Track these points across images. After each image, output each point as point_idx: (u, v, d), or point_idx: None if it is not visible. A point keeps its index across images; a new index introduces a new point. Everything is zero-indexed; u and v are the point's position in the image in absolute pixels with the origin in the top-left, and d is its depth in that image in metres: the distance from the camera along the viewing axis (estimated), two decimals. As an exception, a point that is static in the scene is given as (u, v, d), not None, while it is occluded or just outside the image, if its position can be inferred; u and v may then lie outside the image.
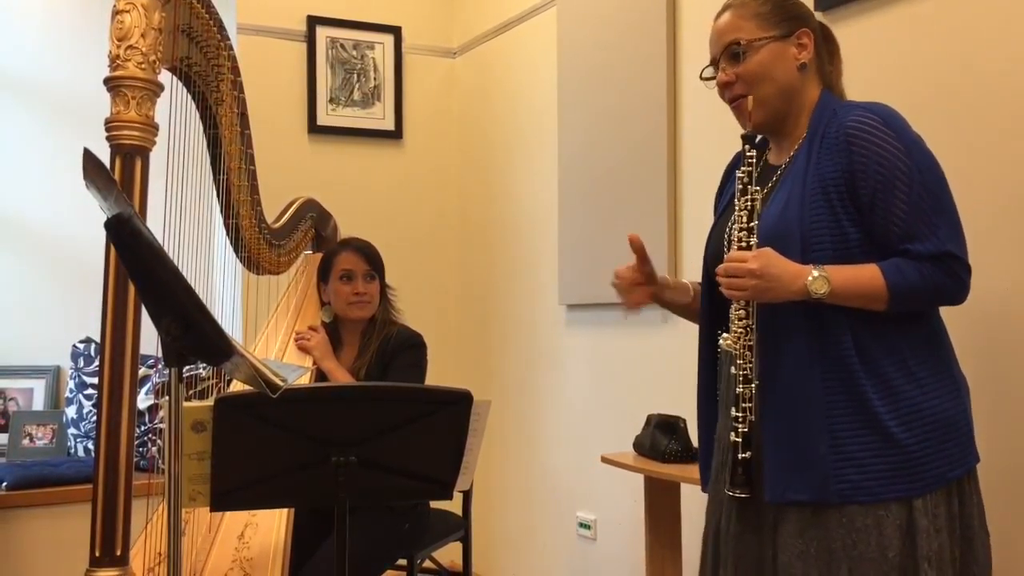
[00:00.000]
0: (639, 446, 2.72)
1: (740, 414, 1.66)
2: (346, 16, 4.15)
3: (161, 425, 3.35)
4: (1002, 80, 2.09)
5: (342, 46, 4.15)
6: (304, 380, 2.64)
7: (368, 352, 2.80)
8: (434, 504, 2.88)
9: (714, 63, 1.78)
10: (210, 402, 1.77)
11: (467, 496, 3.10)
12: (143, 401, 3.45)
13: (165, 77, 2.11)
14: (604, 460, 2.80)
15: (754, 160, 1.67)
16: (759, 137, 1.78)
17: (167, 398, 1.53)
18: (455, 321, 4.36)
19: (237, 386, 2.44)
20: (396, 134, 4.25)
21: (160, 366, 3.49)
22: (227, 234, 2.60)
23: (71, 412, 3.67)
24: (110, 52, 1.99)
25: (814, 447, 1.62)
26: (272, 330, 2.91)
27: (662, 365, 3.10)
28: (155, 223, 1.70)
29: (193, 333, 1.47)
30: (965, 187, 1.70)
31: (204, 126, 2.41)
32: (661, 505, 2.71)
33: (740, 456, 1.67)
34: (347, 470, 1.79)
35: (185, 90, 2.29)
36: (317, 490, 1.85)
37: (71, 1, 3.99)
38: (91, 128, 2.09)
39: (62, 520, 3.17)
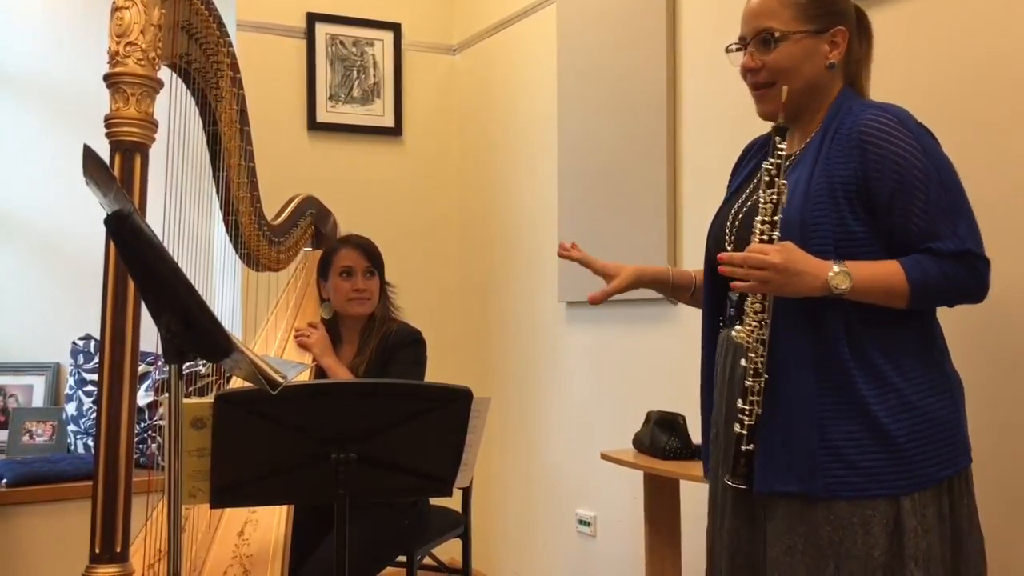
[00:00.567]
0: (638, 443, 2.72)
1: (747, 407, 1.65)
2: (346, 13, 4.15)
3: (161, 422, 3.35)
4: (1004, 74, 2.09)
5: (342, 43, 4.14)
6: (304, 377, 2.64)
7: (368, 349, 2.80)
8: (434, 501, 2.88)
9: (742, 42, 1.74)
10: (210, 399, 1.77)
11: (467, 493, 3.10)
12: (143, 398, 3.45)
13: (165, 74, 2.11)
14: (604, 457, 2.80)
15: (784, 152, 1.62)
16: (787, 129, 1.73)
17: (167, 395, 1.53)
18: (455, 318, 4.36)
19: (237, 383, 2.44)
20: (396, 131, 4.25)
21: (160, 363, 3.49)
22: (227, 231, 2.60)
23: (71, 409, 3.67)
24: (109, 48, 1.99)
25: (804, 440, 1.62)
26: (272, 327, 2.91)
27: (662, 362, 3.10)
28: (155, 220, 1.70)
29: (193, 330, 1.47)
30: (967, 183, 1.69)
31: (204, 123, 2.41)
32: (660, 502, 2.71)
33: (744, 448, 1.66)
34: (347, 467, 1.80)
35: (185, 87, 2.28)
36: (317, 487, 1.85)
37: (71, -2, 3.99)
38: (91, 125, 2.09)
39: (62, 517, 3.17)
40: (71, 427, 3.65)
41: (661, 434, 2.61)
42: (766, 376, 1.64)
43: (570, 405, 3.60)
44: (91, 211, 1.65)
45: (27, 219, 3.91)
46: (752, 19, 1.72)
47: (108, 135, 1.99)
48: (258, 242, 2.68)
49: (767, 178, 1.62)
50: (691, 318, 2.75)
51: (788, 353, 1.64)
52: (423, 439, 1.86)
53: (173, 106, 2.19)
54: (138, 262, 1.49)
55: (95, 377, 2.36)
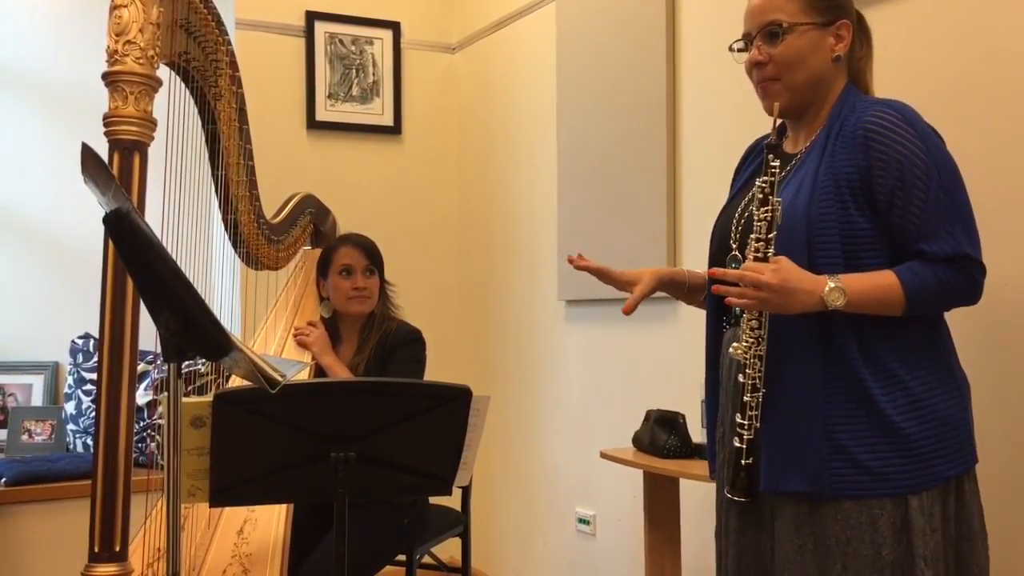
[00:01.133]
0: (638, 442, 2.72)
1: (746, 421, 1.65)
2: (345, 11, 4.14)
3: (160, 421, 3.34)
4: (1004, 74, 2.09)
5: (341, 41, 4.14)
6: (303, 376, 2.64)
7: (367, 348, 2.80)
8: (433, 500, 2.88)
9: (747, 38, 1.74)
10: (209, 398, 1.77)
11: (466, 492, 3.10)
12: (142, 397, 3.44)
13: (164, 72, 2.11)
14: (603, 456, 2.80)
15: (777, 170, 1.62)
16: (779, 122, 1.74)
17: (166, 394, 1.53)
18: (454, 317, 4.36)
19: (236, 382, 2.44)
20: (395, 130, 4.25)
21: (159, 362, 3.49)
22: (226, 229, 2.59)
23: (70, 408, 3.67)
24: (108, 47, 1.99)
25: (811, 440, 1.62)
26: (271, 326, 2.91)
27: (661, 361, 3.10)
28: (153, 218, 1.70)
29: (192, 329, 1.47)
30: (967, 180, 1.69)
31: (202, 121, 2.40)
32: (660, 501, 2.71)
33: (743, 462, 1.67)
34: (346, 466, 1.79)
35: (184, 85, 2.28)
36: (316, 486, 1.85)
37: (69, -4, 3.99)
38: (90, 123, 2.08)
39: (61, 516, 3.17)
40: (70, 426, 3.65)
41: (661, 433, 2.61)
42: (764, 391, 1.64)
43: (570, 404, 3.60)
44: (90, 210, 1.64)
45: (26, 218, 3.91)
46: (758, 14, 1.72)
47: (107, 134, 1.99)
48: (257, 241, 2.68)
49: (760, 196, 1.62)
50: (690, 317, 2.75)
51: (794, 351, 1.64)
52: (422, 438, 1.86)
53: (172, 105, 2.19)
54: (137, 261, 1.49)
55: (94, 376, 2.36)
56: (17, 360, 3.83)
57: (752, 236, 1.63)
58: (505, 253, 4.03)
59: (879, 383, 1.61)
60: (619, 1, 3.27)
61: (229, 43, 2.35)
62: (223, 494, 1.84)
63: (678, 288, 2.00)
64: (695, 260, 2.06)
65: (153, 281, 1.48)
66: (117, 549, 1.96)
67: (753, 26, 1.73)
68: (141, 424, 3.41)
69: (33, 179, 3.89)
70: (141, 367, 3.42)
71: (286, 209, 2.92)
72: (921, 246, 1.60)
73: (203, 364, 3.00)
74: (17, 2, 3.93)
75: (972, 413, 1.70)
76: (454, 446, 1.89)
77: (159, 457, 2.99)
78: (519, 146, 3.94)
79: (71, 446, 3.65)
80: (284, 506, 2.38)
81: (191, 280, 1.48)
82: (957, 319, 1.75)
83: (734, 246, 1.77)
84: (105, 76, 2.00)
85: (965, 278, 1.62)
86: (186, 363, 1.64)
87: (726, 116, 2.83)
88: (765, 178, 1.62)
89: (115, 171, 1.95)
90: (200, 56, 2.26)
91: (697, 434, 2.57)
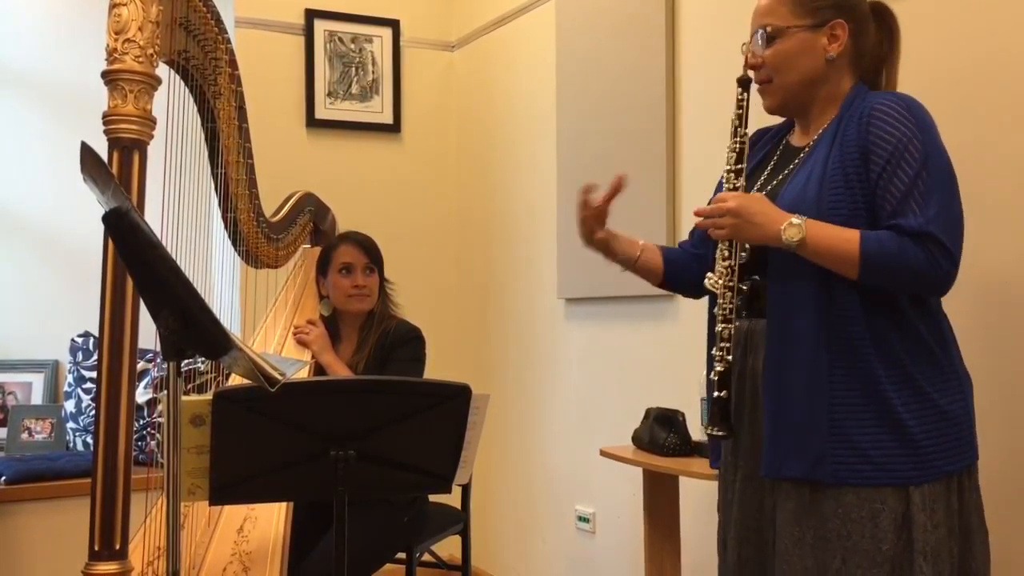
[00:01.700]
0: (638, 439, 2.72)
1: (719, 353, 1.69)
2: (344, 9, 4.14)
3: (160, 419, 3.34)
4: (1004, 74, 2.09)
5: (340, 39, 4.14)
6: (303, 374, 2.64)
7: (367, 346, 2.80)
8: (433, 498, 2.88)
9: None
10: (209, 396, 1.77)
11: (466, 489, 3.10)
12: (142, 395, 3.44)
13: (163, 71, 2.11)
14: (603, 453, 2.80)
15: (746, 103, 1.72)
16: (750, 81, 1.80)
17: (166, 392, 1.53)
18: (454, 315, 4.36)
19: (236, 380, 2.44)
20: (394, 128, 4.25)
21: (159, 360, 3.49)
22: (225, 228, 2.59)
23: (70, 406, 3.67)
24: (107, 45, 1.99)
25: (813, 426, 1.63)
26: (270, 324, 2.91)
27: (661, 359, 3.10)
28: (153, 217, 1.70)
29: (191, 327, 1.47)
30: (969, 177, 1.69)
31: (202, 120, 2.40)
32: (660, 498, 2.71)
33: (716, 395, 1.70)
34: (346, 464, 1.79)
35: (183, 83, 2.28)
36: (316, 484, 1.85)
37: (69, -6, 3.98)
38: (89, 122, 2.08)
39: (61, 514, 3.17)
40: (70, 424, 3.65)
41: (660, 430, 2.61)
42: (736, 323, 1.70)
43: (569, 402, 3.60)
44: (90, 208, 1.64)
45: (25, 216, 3.91)
46: (757, 18, 1.77)
47: (106, 132, 1.99)
48: (257, 239, 2.68)
49: (731, 128, 1.72)
50: (690, 314, 2.75)
51: (801, 338, 1.65)
52: (422, 436, 1.86)
53: (171, 103, 2.19)
54: (136, 259, 1.49)
55: (94, 374, 2.35)
56: (17, 358, 3.83)
57: (724, 168, 1.73)
58: (504, 250, 4.03)
59: (890, 376, 1.61)
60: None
61: (228, 41, 2.35)
62: (223, 492, 1.84)
63: (625, 265, 2.02)
64: (695, 258, 2.06)
65: (153, 280, 1.48)
66: (117, 547, 1.96)
67: (753, 29, 1.78)
68: (141, 422, 3.41)
69: (33, 178, 3.89)
70: (141, 365, 3.43)
71: (286, 207, 2.92)
72: (892, 221, 1.60)
73: (203, 362, 3.00)
74: (17, 1, 3.93)
75: (974, 409, 1.71)
76: (454, 444, 1.89)
77: (159, 455, 2.99)
78: (519, 144, 3.94)
79: (71, 444, 3.65)
80: (284, 504, 2.38)
81: (191, 278, 1.48)
82: (959, 316, 1.75)
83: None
84: (104, 75, 1.99)
85: (927, 258, 1.57)
86: (186, 361, 1.65)
87: (726, 113, 2.80)
88: (736, 111, 1.72)
89: (114, 170, 1.95)
90: (199, 54, 2.26)
91: (696, 432, 2.57)
